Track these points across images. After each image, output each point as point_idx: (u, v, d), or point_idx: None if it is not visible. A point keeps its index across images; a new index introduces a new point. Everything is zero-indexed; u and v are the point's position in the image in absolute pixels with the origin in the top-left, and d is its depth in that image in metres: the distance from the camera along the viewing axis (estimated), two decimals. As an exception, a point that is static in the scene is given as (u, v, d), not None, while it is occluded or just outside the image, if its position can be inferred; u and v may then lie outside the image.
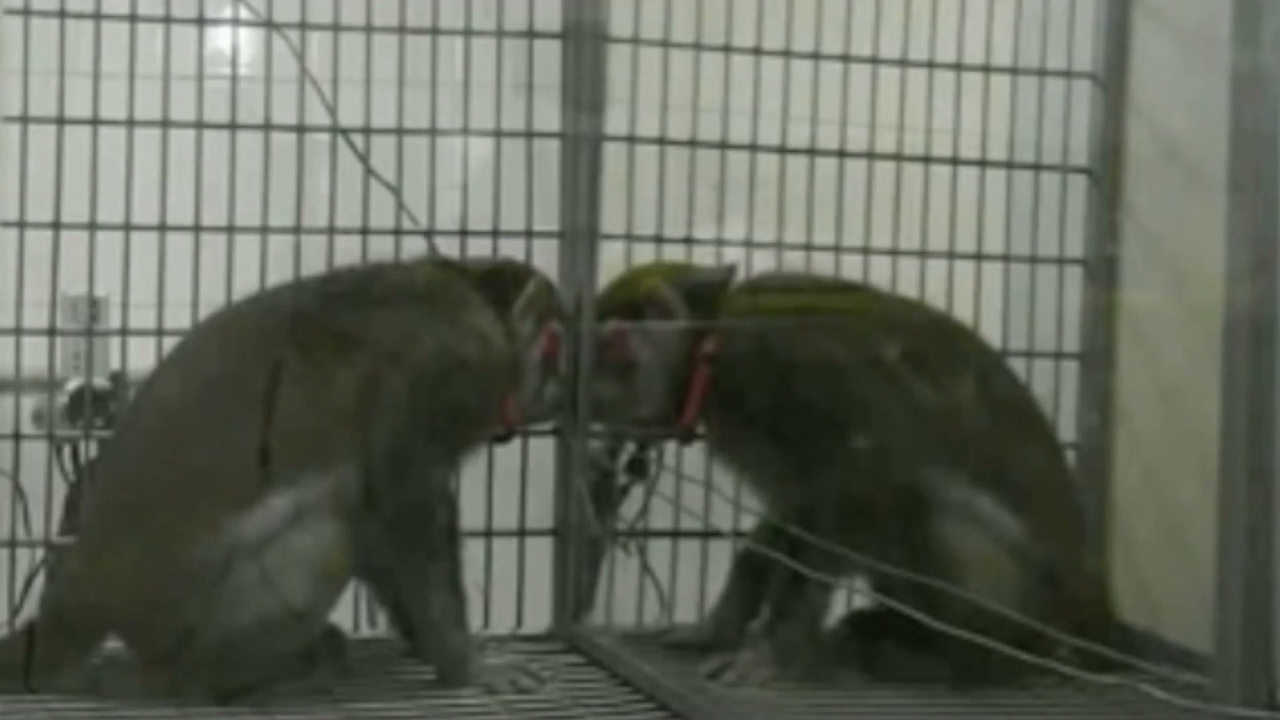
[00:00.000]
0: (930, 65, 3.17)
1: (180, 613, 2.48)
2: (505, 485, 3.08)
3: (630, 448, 3.42)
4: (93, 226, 2.96)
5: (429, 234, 3.00)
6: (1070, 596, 2.72)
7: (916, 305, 3.00)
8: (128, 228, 2.96)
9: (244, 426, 2.53)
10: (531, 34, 3.08)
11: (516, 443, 3.07)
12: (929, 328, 2.94)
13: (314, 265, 2.87)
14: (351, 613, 2.99)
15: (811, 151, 3.12)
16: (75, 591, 2.58)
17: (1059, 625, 2.49)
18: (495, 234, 3.02)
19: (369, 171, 3.00)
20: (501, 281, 2.82)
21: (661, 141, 3.12)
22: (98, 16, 2.94)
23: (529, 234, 3.06)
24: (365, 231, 2.99)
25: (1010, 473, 2.77)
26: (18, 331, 2.95)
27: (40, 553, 2.96)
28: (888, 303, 2.99)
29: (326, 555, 2.56)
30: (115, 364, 3.06)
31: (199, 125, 2.97)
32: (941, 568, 2.68)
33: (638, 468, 3.43)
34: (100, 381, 3.10)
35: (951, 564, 2.69)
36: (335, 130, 2.91)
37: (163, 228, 2.95)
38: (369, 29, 3.02)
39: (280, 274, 2.83)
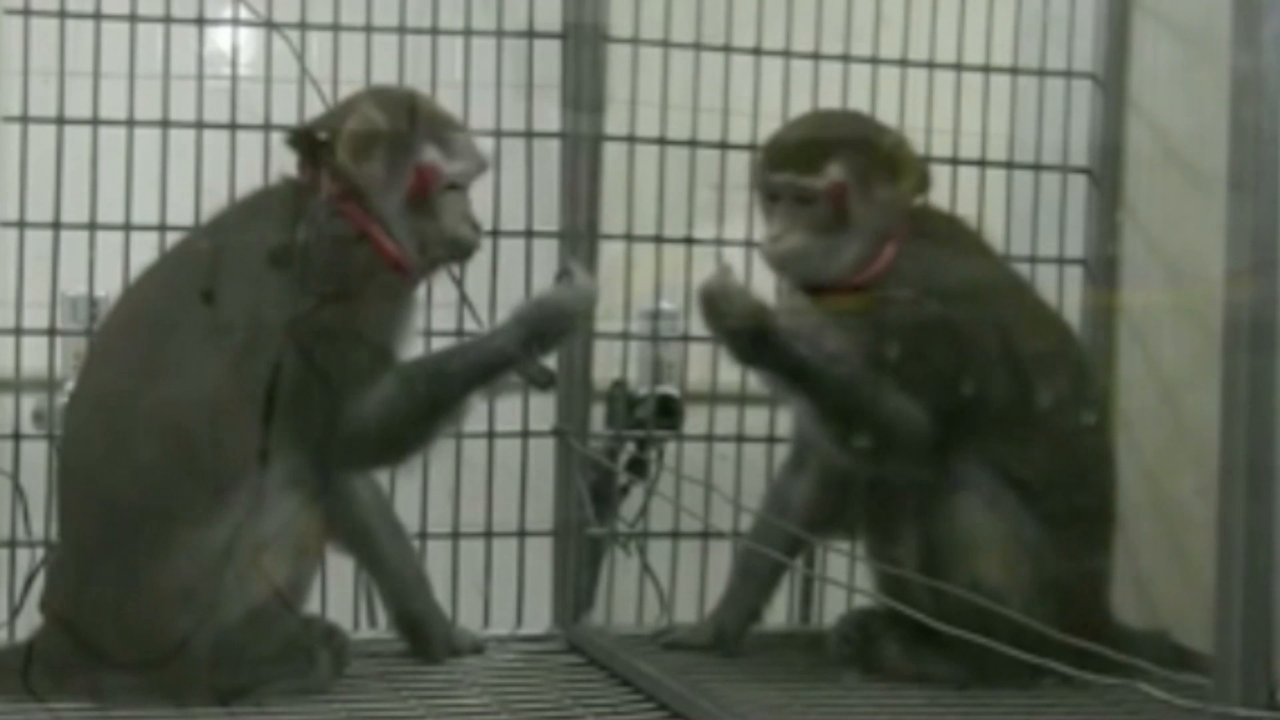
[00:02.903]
0: (930, 65, 3.18)
1: (169, 627, 2.48)
2: (505, 485, 3.08)
3: (630, 448, 3.43)
4: (93, 226, 2.96)
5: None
6: (1076, 598, 2.72)
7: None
8: (128, 228, 2.97)
9: (184, 424, 2.53)
10: (531, 34, 3.08)
11: (516, 443, 3.08)
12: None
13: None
14: (351, 613, 3.00)
15: (812, 152, 3.12)
16: (62, 630, 2.55)
17: (1062, 626, 2.49)
18: (495, 234, 3.02)
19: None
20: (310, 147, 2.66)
21: (661, 141, 3.13)
22: (98, 16, 2.95)
23: (529, 234, 3.06)
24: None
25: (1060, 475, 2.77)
26: (18, 331, 2.95)
27: (40, 553, 2.96)
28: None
29: (298, 531, 2.56)
30: (115, 364, 3.06)
31: (199, 125, 2.97)
32: (958, 552, 2.69)
33: (638, 468, 3.44)
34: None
35: (968, 550, 2.70)
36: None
37: (163, 228, 2.95)
38: (369, 29, 3.02)
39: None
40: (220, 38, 3.10)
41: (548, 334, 2.72)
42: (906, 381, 2.70)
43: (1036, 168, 3.21)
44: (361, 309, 2.60)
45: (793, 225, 2.79)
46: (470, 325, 2.91)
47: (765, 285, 2.93)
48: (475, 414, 2.98)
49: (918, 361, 2.71)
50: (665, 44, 3.11)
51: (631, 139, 3.11)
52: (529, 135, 3.07)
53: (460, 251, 2.75)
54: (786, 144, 2.86)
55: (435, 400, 2.64)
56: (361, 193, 2.64)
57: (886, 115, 3.01)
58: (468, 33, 3.07)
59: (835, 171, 2.76)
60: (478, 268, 2.97)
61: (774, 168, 2.82)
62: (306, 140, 2.69)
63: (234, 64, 3.03)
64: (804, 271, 2.82)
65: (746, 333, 2.73)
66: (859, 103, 3.08)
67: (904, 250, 2.77)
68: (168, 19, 2.97)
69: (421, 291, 2.79)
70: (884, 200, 2.77)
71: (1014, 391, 2.73)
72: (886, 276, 2.76)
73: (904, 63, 3.17)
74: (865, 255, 2.77)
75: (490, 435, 3.06)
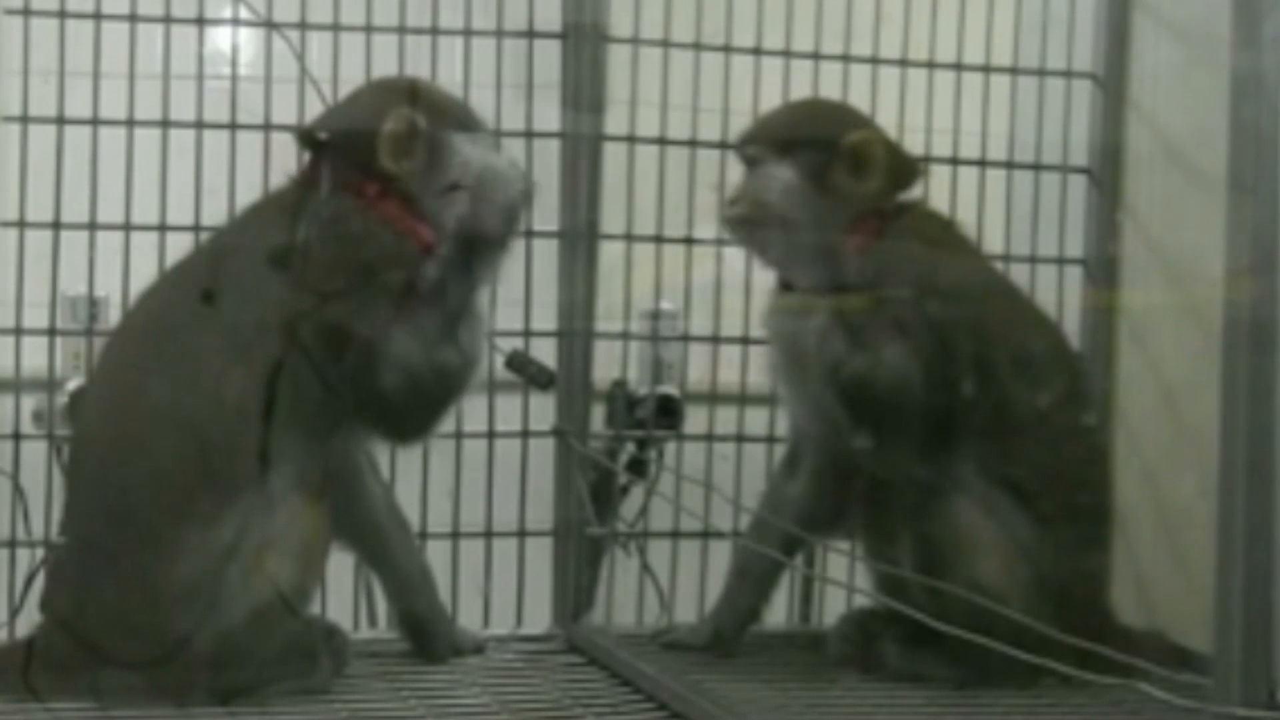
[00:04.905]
0: (930, 65, 3.18)
1: (172, 627, 2.47)
2: (505, 485, 3.08)
3: (630, 448, 3.43)
4: (93, 226, 2.96)
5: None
6: (1074, 597, 2.72)
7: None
8: (128, 228, 2.97)
9: (197, 426, 2.53)
10: (531, 34, 3.08)
11: (516, 443, 3.08)
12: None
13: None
14: (351, 613, 3.00)
15: (812, 151, 3.12)
16: (63, 630, 2.54)
17: (1061, 626, 2.49)
18: (495, 234, 3.02)
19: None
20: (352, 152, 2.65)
21: (661, 141, 3.13)
22: (98, 16, 2.95)
23: (529, 234, 3.05)
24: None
25: (1050, 473, 2.77)
26: (18, 331, 2.95)
27: (40, 553, 2.97)
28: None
29: (304, 533, 2.56)
30: (115, 364, 3.06)
31: (199, 125, 2.97)
32: (953, 553, 2.69)
33: (638, 468, 3.44)
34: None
35: (964, 550, 2.70)
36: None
37: (163, 228, 2.96)
38: (369, 29, 3.02)
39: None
40: (220, 38, 3.10)
41: (495, 187, 2.70)
42: (875, 376, 2.71)
43: (1036, 168, 3.21)
44: (402, 300, 2.61)
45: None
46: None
47: (765, 285, 2.93)
48: (475, 414, 2.99)
49: (884, 355, 2.71)
50: (665, 44, 3.11)
51: (631, 139, 3.11)
52: (529, 135, 3.07)
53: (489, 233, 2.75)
54: (763, 119, 2.91)
55: (445, 312, 2.63)
56: (403, 190, 2.64)
57: (886, 115, 3.01)
58: (468, 33, 3.07)
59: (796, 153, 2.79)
60: (478, 268, 2.97)
61: (748, 138, 2.87)
62: (317, 139, 2.69)
63: (234, 64, 3.04)
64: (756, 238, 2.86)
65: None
66: (859, 103, 3.07)
67: (876, 244, 2.77)
68: (168, 19, 2.97)
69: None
70: (845, 192, 2.78)
71: (1000, 392, 2.73)
72: (856, 268, 2.76)
73: (904, 63, 3.17)
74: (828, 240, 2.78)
75: (490, 435, 3.06)
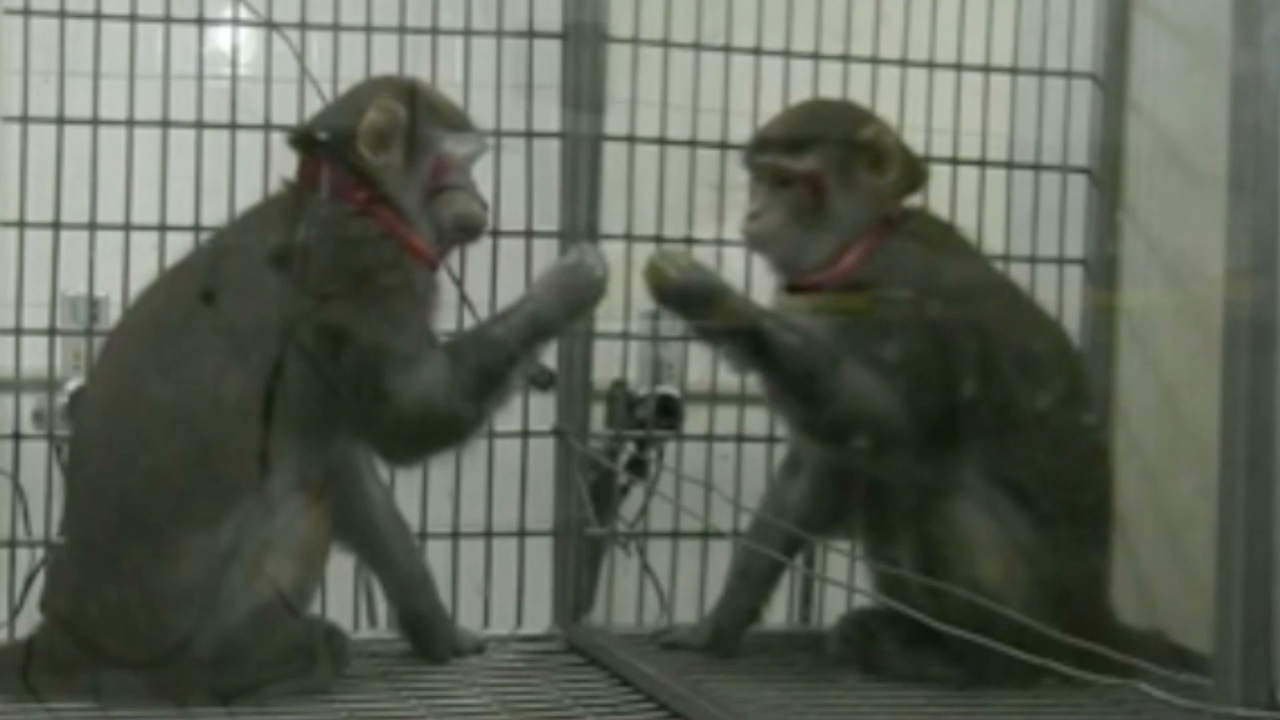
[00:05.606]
0: (930, 65, 3.18)
1: (172, 627, 2.48)
2: (505, 485, 3.08)
3: (630, 448, 3.43)
4: (93, 226, 2.97)
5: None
6: (1075, 597, 2.72)
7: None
8: (128, 228, 2.97)
9: (197, 427, 2.53)
10: (531, 34, 3.09)
11: (516, 443, 3.08)
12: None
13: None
14: (351, 613, 3.00)
15: (812, 151, 3.12)
16: (63, 630, 2.54)
17: (1061, 626, 2.49)
18: (495, 234, 3.02)
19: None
20: (331, 148, 2.66)
21: (661, 141, 3.13)
22: (98, 16, 2.95)
23: (529, 234, 3.06)
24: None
25: (1052, 474, 2.77)
26: (18, 331, 2.95)
27: (40, 553, 2.97)
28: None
29: (304, 534, 2.56)
30: (115, 364, 3.06)
31: (199, 125, 2.97)
32: (953, 553, 2.69)
33: (638, 468, 3.44)
34: (100, 381, 3.10)
35: (964, 551, 2.70)
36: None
37: (163, 228, 2.96)
38: (369, 29, 3.02)
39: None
40: (220, 38, 3.10)
41: (579, 292, 2.74)
42: (872, 376, 2.70)
43: (1036, 168, 3.21)
44: (395, 304, 2.61)
45: (771, 205, 2.81)
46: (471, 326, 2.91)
47: (764, 286, 2.93)
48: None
49: (888, 358, 2.71)
50: (665, 44, 3.11)
51: (631, 139, 3.11)
52: (529, 135, 3.08)
53: (473, 231, 2.76)
54: (774, 127, 2.90)
55: (485, 369, 2.64)
56: (383, 188, 2.64)
57: (887, 115, 3.00)
58: (468, 33, 3.07)
59: (815, 156, 2.78)
60: (478, 268, 2.97)
61: (759, 148, 2.86)
62: (310, 138, 2.69)
63: (234, 64, 3.04)
64: (779, 253, 2.84)
65: (693, 289, 2.74)
66: (859, 103, 3.08)
67: (882, 246, 2.78)
68: (168, 19, 2.97)
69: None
70: (865, 191, 2.78)
71: (1001, 392, 2.73)
72: (861, 269, 2.76)
73: (904, 63, 3.17)
74: (842, 245, 2.78)
75: (490, 435, 3.05)
